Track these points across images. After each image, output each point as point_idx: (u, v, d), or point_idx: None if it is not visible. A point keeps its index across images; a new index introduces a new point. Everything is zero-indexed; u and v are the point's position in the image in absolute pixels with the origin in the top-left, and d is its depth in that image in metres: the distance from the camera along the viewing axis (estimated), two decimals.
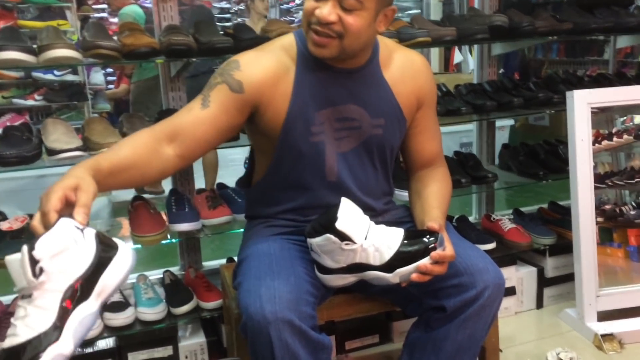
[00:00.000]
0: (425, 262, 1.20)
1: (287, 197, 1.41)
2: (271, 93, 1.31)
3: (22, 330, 0.86)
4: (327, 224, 1.19)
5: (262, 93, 1.30)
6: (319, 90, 1.33)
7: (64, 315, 0.88)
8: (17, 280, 0.89)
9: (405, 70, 1.42)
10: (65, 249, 0.90)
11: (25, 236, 1.64)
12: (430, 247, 1.21)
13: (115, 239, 0.99)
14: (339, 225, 1.17)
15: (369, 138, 1.39)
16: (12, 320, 0.89)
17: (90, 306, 0.92)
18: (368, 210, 1.36)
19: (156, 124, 1.28)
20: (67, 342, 0.87)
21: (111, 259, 0.95)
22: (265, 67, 1.31)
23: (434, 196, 1.41)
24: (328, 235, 1.19)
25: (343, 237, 1.18)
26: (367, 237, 1.21)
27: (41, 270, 0.87)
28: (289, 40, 1.36)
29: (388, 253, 1.21)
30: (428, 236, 1.23)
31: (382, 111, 1.39)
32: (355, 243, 1.20)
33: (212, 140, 1.29)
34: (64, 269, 0.89)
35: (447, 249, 1.22)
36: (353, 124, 1.37)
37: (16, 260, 0.88)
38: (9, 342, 0.86)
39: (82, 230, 0.93)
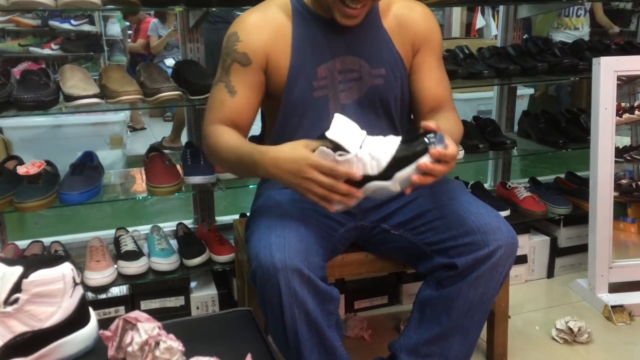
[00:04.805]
0: (424, 160, 1.10)
1: None
2: (273, 52, 1.33)
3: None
4: (320, 137, 1.13)
5: (266, 54, 1.33)
6: (318, 44, 1.33)
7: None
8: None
9: (403, 18, 1.39)
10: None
11: (42, 181, 1.65)
12: (429, 145, 1.10)
13: None
14: (330, 134, 1.10)
15: (370, 89, 1.37)
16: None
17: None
18: None
19: (212, 121, 1.34)
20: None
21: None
22: (263, 29, 1.33)
23: (442, 126, 1.27)
24: (321, 147, 1.12)
25: (336, 146, 1.11)
26: (362, 147, 1.13)
27: None
28: None
29: (384, 158, 1.12)
30: (427, 135, 1.12)
31: (383, 61, 1.37)
32: (349, 152, 1.11)
33: (257, 108, 1.38)
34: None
35: (449, 147, 1.10)
36: (353, 75, 1.36)
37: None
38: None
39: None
